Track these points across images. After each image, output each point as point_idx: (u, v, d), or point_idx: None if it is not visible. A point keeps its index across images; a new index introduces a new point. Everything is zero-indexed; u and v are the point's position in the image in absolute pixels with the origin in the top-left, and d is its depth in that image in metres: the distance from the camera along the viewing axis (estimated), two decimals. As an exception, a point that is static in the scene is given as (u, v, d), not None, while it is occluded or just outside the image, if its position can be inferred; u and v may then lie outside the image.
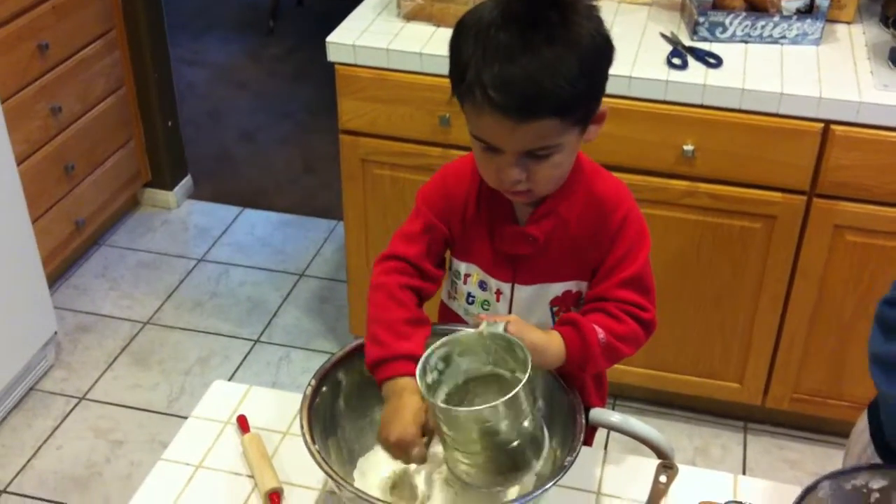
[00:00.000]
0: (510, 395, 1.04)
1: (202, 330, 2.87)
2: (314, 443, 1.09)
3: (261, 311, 2.95)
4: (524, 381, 1.05)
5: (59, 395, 2.62)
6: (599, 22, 1.16)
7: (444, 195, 1.32)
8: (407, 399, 1.16)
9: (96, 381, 2.67)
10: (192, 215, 3.40)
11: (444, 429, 1.09)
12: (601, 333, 1.23)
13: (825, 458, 2.43)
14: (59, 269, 2.99)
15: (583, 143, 1.22)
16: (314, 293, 3.03)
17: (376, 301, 1.27)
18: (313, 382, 1.18)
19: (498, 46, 1.10)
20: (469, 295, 1.37)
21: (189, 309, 2.96)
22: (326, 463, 1.07)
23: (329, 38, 2.25)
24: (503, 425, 1.06)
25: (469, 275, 1.35)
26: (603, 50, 1.16)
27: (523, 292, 1.32)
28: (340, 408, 1.23)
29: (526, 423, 1.09)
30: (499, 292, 1.33)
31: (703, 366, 2.42)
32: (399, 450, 1.14)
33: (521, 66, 1.09)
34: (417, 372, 1.11)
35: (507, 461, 1.10)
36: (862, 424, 1.41)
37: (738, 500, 1.18)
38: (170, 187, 3.40)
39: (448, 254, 1.38)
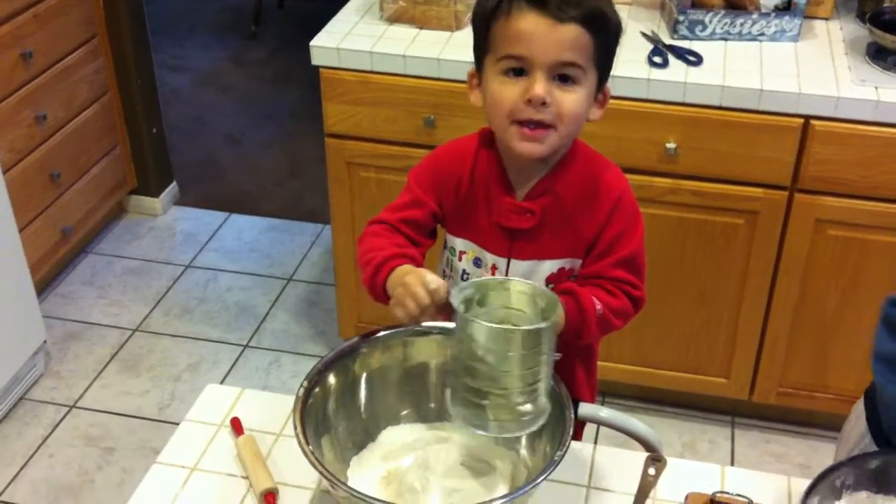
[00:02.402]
0: (544, 324, 1.08)
1: (191, 336, 2.88)
2: (308, 443, 1.10)
3: (249, 316, 2.95)
4: (553, 319, 1.09)
5: (49, 403, 2.62)
6: None
7: (435, 172, 1.36)
8: (411, 271, 1.22)
9: (86, 390, 2.67)
10: (178, 221, 3.41)
11: (470, 354, 1.10)
12: (598, 305, 1.27)
13: (812, 451, 2.46)
14: (46, 278, 2.99)
15: (587, 120, 1.28)
16: (302, 297, 3.04)
17: (364, 245, 1.33)
18: (305, 384, 1.20)
19: None
20: (464, 272, 1.39)
21: (177, 315, 2.96)
22: (320, 463, 1.08)
23: (313, 42, 2.26)
24: (532, 356, 1.09)
25: (464, 252, 1.38)
26: (619, 22, 1.27)
27: (519, 268, 1.34)
28: (332, 408, 1.24)
29: (545, 367, 1.12)
30: (494, 268, 1.36)
31: (689, 361, 2.45)
32: (416, 281, 1.18)
33: None
34: (452, 293, 1.13)
35: (524, 403, 1.12)
36: (856, 414, 1.42)
37: (726, 490, 1.19)
38: (156, 194, 3.40)
39: (444, 232, 1.41)
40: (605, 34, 1.25)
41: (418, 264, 1.28)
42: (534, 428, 1.15)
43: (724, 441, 2.49)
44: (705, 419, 2.55)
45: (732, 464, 2.42)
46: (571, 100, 1.23)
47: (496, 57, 1.24)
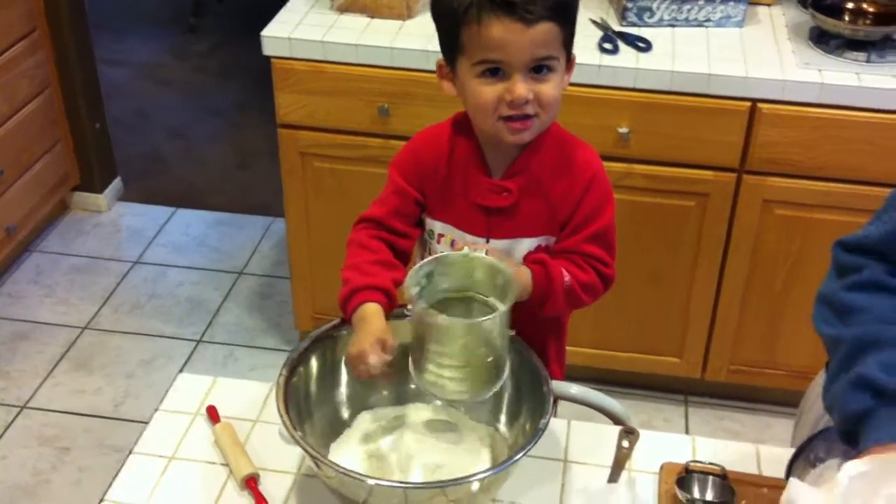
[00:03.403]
0: (499, 312, 1.15)
1: (143, 332, 2.84)
2: (294, 427, 1.11)
3: (201, 311, 2.93)
4: (509, 304, 1.16)
5: (-1, 404, 2.58)
6: None
7: (413, 160, 1.39)
8: (371, 320, 1.23)
9: (37, 389, 2.62)
10: (123, 217, 3.36)
11: (429, 338, 1.17)
12: (567, 277, 1.31)
13: (764, 427, 2.52)
14: (-10, 277, 2.94)
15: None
16: (254, 290, 3.02)
17: (349, 253, 1.35)
18: (284, 372, 1.20)
19: None
20: None
21: (127, 312, 2.92)
22: (310, 445, 1.09)
23: (264, 32, 2.25)
24: (486, 339, 1.16)
25: (442, 234, 1.40)
26: None
27: (497, 247, 1.36)
28: (311, 394, 1.25)
29: (500, 343, 1.18)
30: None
31: (643, 342, 2.49)
32: (359, 360, 1.20)
33: None
34: (406, 281, 1.18)
35: (482, 374, 1.19)
36: (817, 389, 1.45)
37: (698, 459, 1.23)
38: (100, 190, 3.34)
39: (423, 216, 1.42)
40: (571, 16, 1.28)
41: (390, 293, 1.29)
42: (486, 395, 1.21)
43: (678, 419, 2.55)
44: (659, 398, 2.61)
45: (688, 441, 2.48)
46: (549, 87, 1.27)
47: (471, 61, 1.26)
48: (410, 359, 1.22)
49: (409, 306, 1.21)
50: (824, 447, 1.14)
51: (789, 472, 1.11)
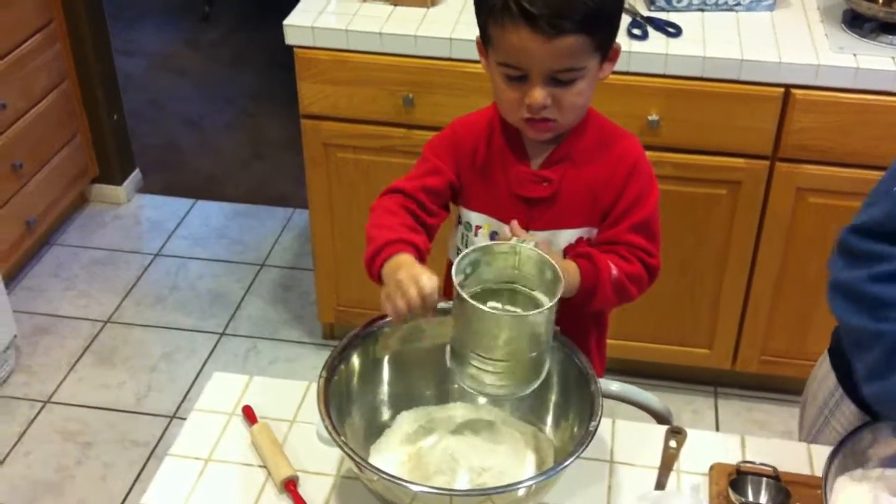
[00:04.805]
0: (548, 306, 1.10)
1: (165, 325, 2.82)
2: (336, 431, 1.08)
3: (224, 304, 2.90)
4: (557, 299, 1.11)
5: (22, 399, 2.55)
6: None
7: (451, 143, 1.36)
8: (410, 264, 1.17)
9: (60, 384, 2.61)
10: (143, 209, 3.33)
11: (473, 330, 1.12)
12: (614, 269, 1.27)
13: (793, 418, 2.47)
14: (12, 271, 2.91)
15: (598, 80, 1.27)
16: (277, 282, 3.00)
17: (373, 218, 1.30)
18: (324, 373, 1.17)
19: None
20: None
21: (149, 305, 2.90)
22: (352, 450, 1.06)
23: (286, 21, 2.22)
24: (532, 334, 1.12)
25: (480, 226, 1.36)
26: None
27: (537, 239, 1.32)
28: (352, 393, 1.22)
29: (545, 339, 1.14)
30: None
31: (672, 333, 2.46)
32: (409, 283, 1.14)
33: None
34: (453, 270, 1.13)
35: (525, 370, 1.14)
36: (821, 374, 1.43)
37: (749, 460, 1.20)
38: (119, 182, 3.32)
39: (459, 207, 1.39)
40: (606, 23, 1.22)
41: (421, 252, 1.24)
42: (528, 390, 1.16)
43: (707, 410, 2.52)
44: (688, 390, 2.57)
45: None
46: (572, 94, 1.23)
47: (497, 58, 1.24)
48: (449, 352, 1.17)
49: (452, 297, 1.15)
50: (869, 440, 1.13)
51: (828, 467, 1.09)
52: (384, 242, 1.23)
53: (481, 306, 1.09)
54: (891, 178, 1.19)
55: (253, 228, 3.24)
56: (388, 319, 1.21)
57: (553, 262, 1.15)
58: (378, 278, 1.23)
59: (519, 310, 1.17)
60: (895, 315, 1.13)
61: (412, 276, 1.14)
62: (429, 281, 1.14)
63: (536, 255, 1.17)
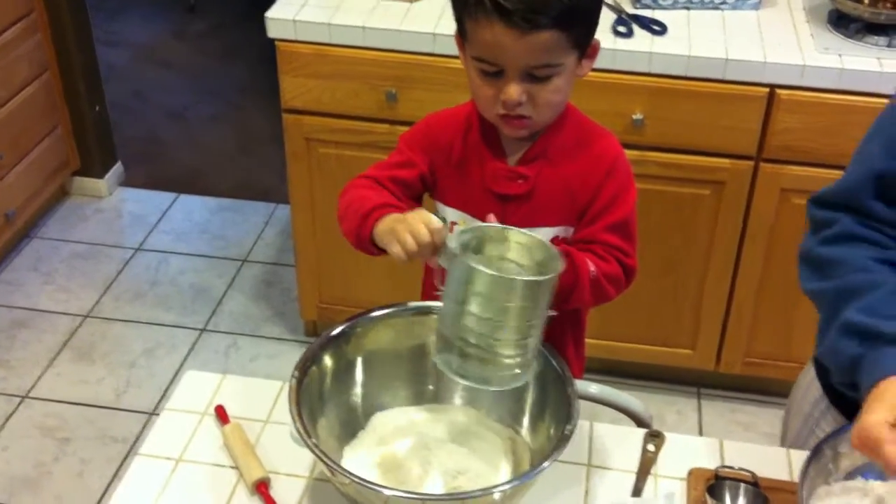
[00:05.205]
0: (546, 276, 1.06)
1: (145, 321, 2.80)
2: (307, 433, 1.06)
3: (205, 299, 2.88)
4: (559, 271, 1.06)
5: (0, 394, 2.52)
6: None
7: (426, 136, 1.35)
8: (418, 211, 1.16)
9: (39, 379, 2.58)
10: (125, 203, 3.30)
11: (466, 300, 1.06)
12: (592, 268, 1.25)
13: (777, 420, 2.47)
14: (-12, 265, 2.89)
15: (576, 77, 1.26)
16: (259, 278, 2.97)
17: (348, 196, 1.29)
18: (296, 374, 1.15)
19: None
20: None
21: (129, 300, 2.87)
22: (323, 453, 1.04)
23: (268, 14, 2.19)
24: (529, 307, 1.07)
25: (455, 222, 1.35)
26: None
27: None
28: (325, 394, 1.20)
29: (538, 322, 1.09)
30: None
31: (655, 334, 2.45)
32: (416, 217, 1.13)
33: None
34: (449, 237, 1.10)
35: (510, 353, 1.09)
36: (805, 381, 1.42)
37: (728, 465, 1.18)
38: (100, 175, 3.29)
39: (435, 202, 1.37)
40: (582, 19, 1.21)
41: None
42: (517, 384, 1.12)
43: (691, 412, 2.51)
44: (671, 391, 2.56)
45: (701, 434, 2.44)
46: (548, 91, 1.22)
47: (472, 52, 1.23)
48: (435, 340, 1.13)
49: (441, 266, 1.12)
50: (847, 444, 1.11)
51: (804, 477, 1.07)
52: (372, 206, 1.23)
53: (484, 268, 1.04)
54: (854, 157, 1.22)
55: (236, 223, 3.21)
56: (373, 314, 1.20)
57: (544, 241, 1.12)
58: (368, 244, 1.22)
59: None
60: (836, 273, 1.17)
61: (419, 214, 1.15)
62: (436, 218, 1.14)
63: (527, 239, 1.13)
